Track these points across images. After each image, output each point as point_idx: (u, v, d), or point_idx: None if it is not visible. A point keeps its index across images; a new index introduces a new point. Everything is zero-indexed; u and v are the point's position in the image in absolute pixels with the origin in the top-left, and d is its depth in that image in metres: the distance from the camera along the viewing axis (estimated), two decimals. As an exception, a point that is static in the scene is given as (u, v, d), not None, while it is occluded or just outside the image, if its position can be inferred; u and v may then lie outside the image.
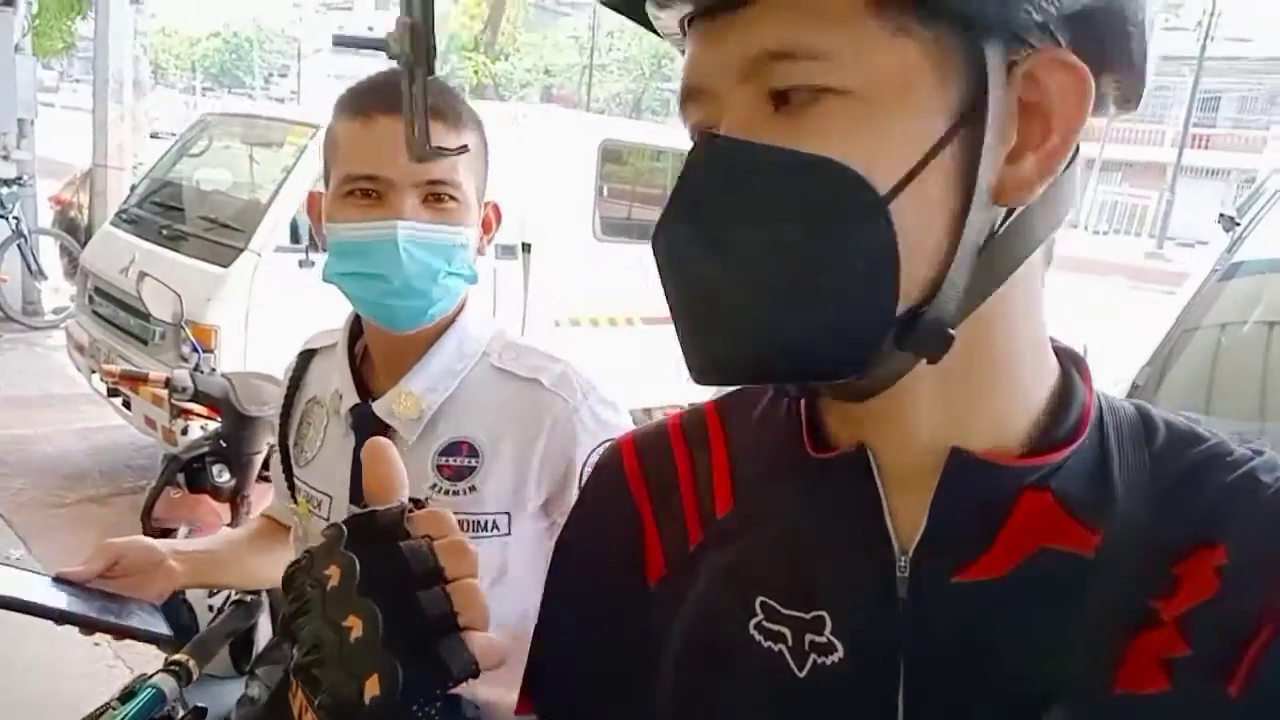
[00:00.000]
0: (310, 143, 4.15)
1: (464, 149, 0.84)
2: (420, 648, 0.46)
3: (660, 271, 0.50)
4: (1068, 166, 0.49)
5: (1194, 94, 22.48)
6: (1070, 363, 0.55)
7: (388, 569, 0.47)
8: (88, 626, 1.00)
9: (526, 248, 4.58)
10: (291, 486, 1.19)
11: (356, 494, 1.06)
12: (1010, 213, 0.48)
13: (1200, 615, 0.47)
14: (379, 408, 1.07)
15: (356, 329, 1.15)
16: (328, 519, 1.10)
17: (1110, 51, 0.49)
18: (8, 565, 0.97)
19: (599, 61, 29.00)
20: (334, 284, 1.06)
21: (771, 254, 0.46)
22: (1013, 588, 0.49)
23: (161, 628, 1.07)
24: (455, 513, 0.90)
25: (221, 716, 2.23)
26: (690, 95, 0.51)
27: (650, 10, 0.52)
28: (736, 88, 0.47)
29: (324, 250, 1.08)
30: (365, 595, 0.46)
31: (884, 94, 0.45)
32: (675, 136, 5.36)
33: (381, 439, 0.53)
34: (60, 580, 1.02)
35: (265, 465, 2.41)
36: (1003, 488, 0.51)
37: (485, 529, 1.04)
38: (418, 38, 0.44)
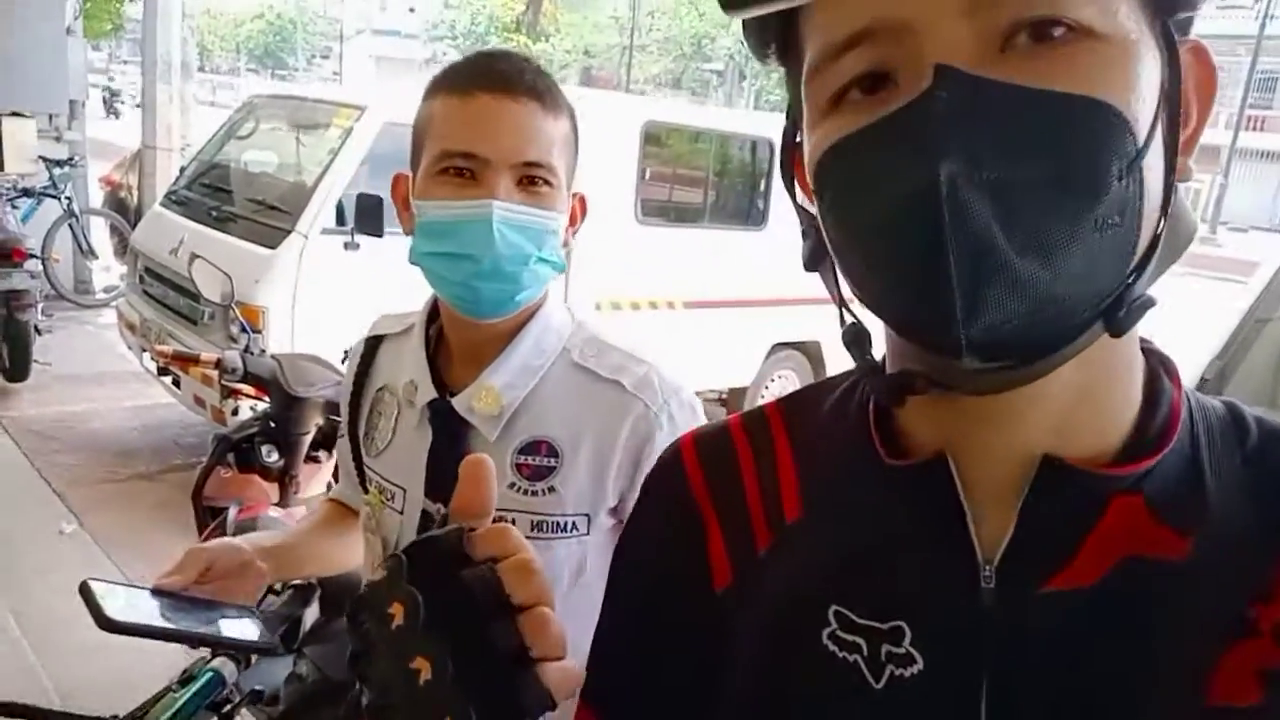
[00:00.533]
0: (355, 124, 4.17)
1: None
2: (493, 685, 0.44)
3: (927, 219, 0.41)
4: None
5: (1251, 74, 21.86)
6: (1158, 363, 0.53)
7: (453, 602, 0.45)
8: (196, 644, 1.02)
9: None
10: (361, 474, 1.18)
11: (431, 489, 1.06)
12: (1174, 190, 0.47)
13: None
14: (458, 403, 1.05)
15: (432, 317, 1.12)
16: (401, 511, 1.09)
17: None
18: (108, 582, 0.98)
19: (639, 42, 28.84)
20: (420, 265, 1.04)
21: (1054, 209, 0.41)
22: (1102, 597, 0.47)
23: (269, 637, 1.09)
24: (534, 513, 0.88)
25: (270, 693, 2.28)
26: (864, 36, 0.45)
27: None
28: (954, 20, 0.42)
29: (406, 234, 1.06)
30: (432, 632, 0.44)
31: (1132, 44, 0.43)
32: (717, 117, 5.32)
33: (484, 458, 0.51)
34: (158, 591, 1.02)
35: (313, 445, 2.44)
36: (1094, 496, 0.49)
37: (565, 530, 1.02)
38: None
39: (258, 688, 1.16)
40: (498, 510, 1.00)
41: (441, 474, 1.05)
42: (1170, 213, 0.46)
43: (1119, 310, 0.45)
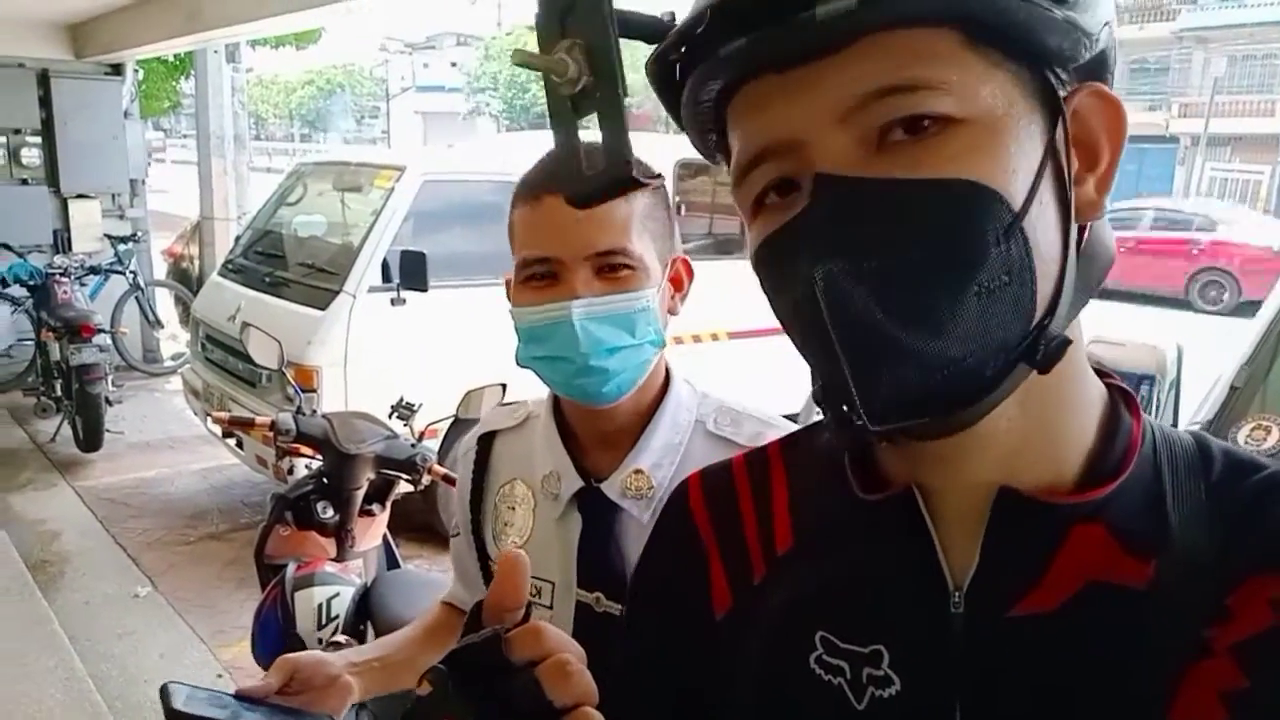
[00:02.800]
0: (396, 184, 4.30)
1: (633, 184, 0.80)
2: None
3: (816, 313, 0.47)
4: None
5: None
6: (1119, 395, 0.56)
7: (498, 713, 0.46)
8: None
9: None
10: (487, 574, 1.17)
11: (584, 579, 1.05)
12: (1083, 231, 0.51)
13: (1257, 648, 0.46)
14: (609, 489, 1.05)
15: (558, 408, 1.12)
16: (550, 605, 1.08)
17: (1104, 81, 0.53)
18: (190, 685, 0.97)
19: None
20: (526, 365, 1.05)
21: (933, 284, 0.46)
22: (1065, 621, 0.50)
23: None
24: None
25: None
26: (766, 153, 0.51)
27: (700, 82, 0.52)
28: (832, 131, 0.48)
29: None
30: None
31: (998, 120, 0.47)
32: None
33: (518, 553, 0.52)
34: (242, 697, 1.02)
35: (366, 499, 2.51)
36: (1053, 524, 0.51)
37: None
38: (596, 55, 0.41)
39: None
40: None
41: (594, 563, 1.05)
42: (1082, 251, 0.50)
43: (1035, 353, 0.48)
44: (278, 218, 5.18)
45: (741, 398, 1.13)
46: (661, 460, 1.05)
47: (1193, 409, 2.13)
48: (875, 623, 0.55)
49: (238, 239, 5.57)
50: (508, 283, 1.10)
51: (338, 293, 4.12)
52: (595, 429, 1.08)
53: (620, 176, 0.42)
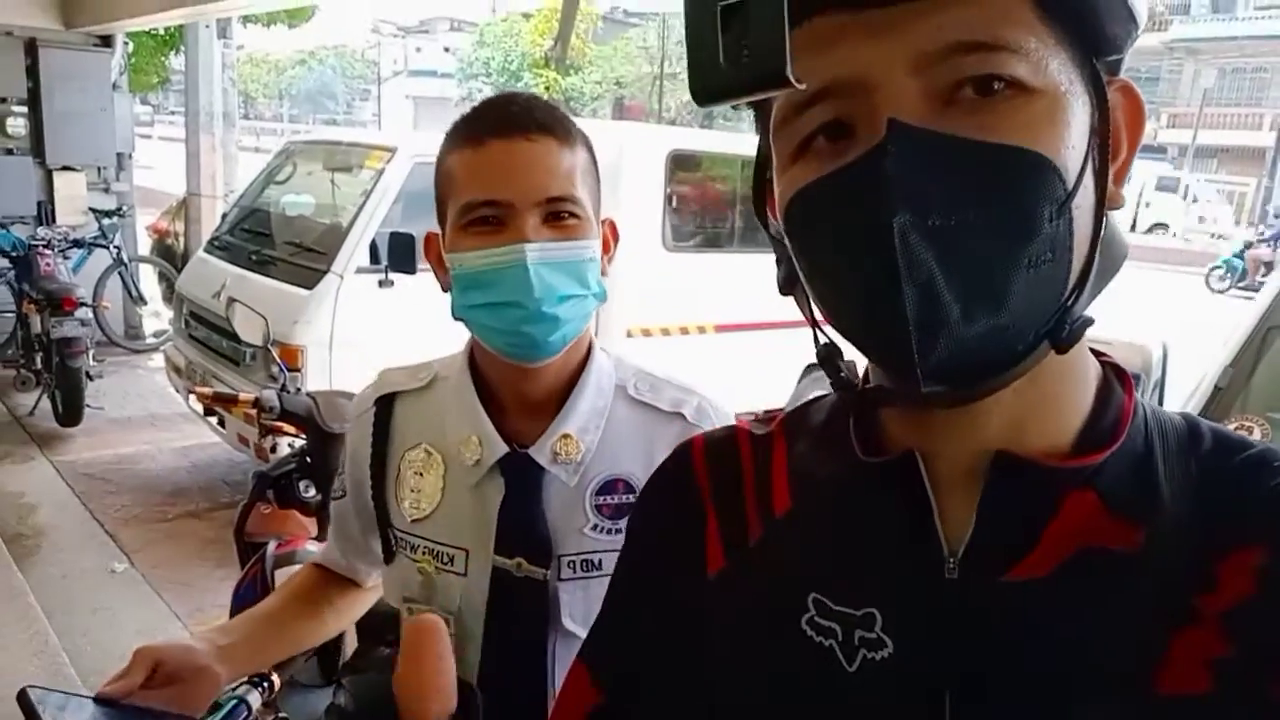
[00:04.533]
0: (387, 166, 4.28)
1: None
2: None
3: (885, 265, 0.45)
4: None
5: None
6: (1112, 372, 0.57)
7: None
8: None
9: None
10: (388, 541, 1.12)
11: (503, 544, 1.02)
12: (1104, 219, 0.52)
13: (1242, 616, 0.47)
14: (539, 454, 1.03)
15: (474, 370, 1.09)
16: (464, 574, 1.05)
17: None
18: (50, 690, 0.92)
19: (670, 70, 29.08)
20: (464, 319, 1.03)
21: (994, 250, 0.46)
22: (1057, 585, 0.51)
23: None
24: (617, 549, 0.84)
25: (312, 722, 2.32)
26: (827, 92, 0.49)
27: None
28: (906, 78, 0.47)
29: (444, 290, 1.05)
30: None
31: (1062, 96, 0.48)
32: (741, 143, 5.38)
33: (432, 619, 0.53)
34: (101, 700, 0.96)
35: (348, 480, 2.50)
36: (1048, 489, 0.52)
37: None
38: None
39: (283, 715, 1.20)
40: (584, 554, 1.03)
41: (517, 529, 1.02)
42: (1103, 239, 0.50)
43: (1061, 331, 0.49)
44: (266, 196, 5.14)
45: (653, 364, 1.13)
46: (588, 425, 1.05)
47: (1177, 408, 2.16)
48: (869, 585, 0.55)
49: (225, 216, 5.53)
50: (429, 239, 1.07)
51: (325, 272, 4.11)
52: (519, 392, 1.06)
53: (775, 70, 0.37)
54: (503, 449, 1.03)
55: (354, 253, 4.12)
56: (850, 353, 0.57)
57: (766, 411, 0.71)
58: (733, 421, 1.07)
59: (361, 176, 4.50)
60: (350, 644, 2.41)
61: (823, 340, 0.59)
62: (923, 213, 0.45)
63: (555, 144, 0.99)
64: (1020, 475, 0.52)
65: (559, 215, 0.99)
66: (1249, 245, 16.28)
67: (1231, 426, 1.93)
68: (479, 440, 1.04)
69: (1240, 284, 15.69)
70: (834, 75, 0.48)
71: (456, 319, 1.04)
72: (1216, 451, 0.53)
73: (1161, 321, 8.34)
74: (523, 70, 31.31)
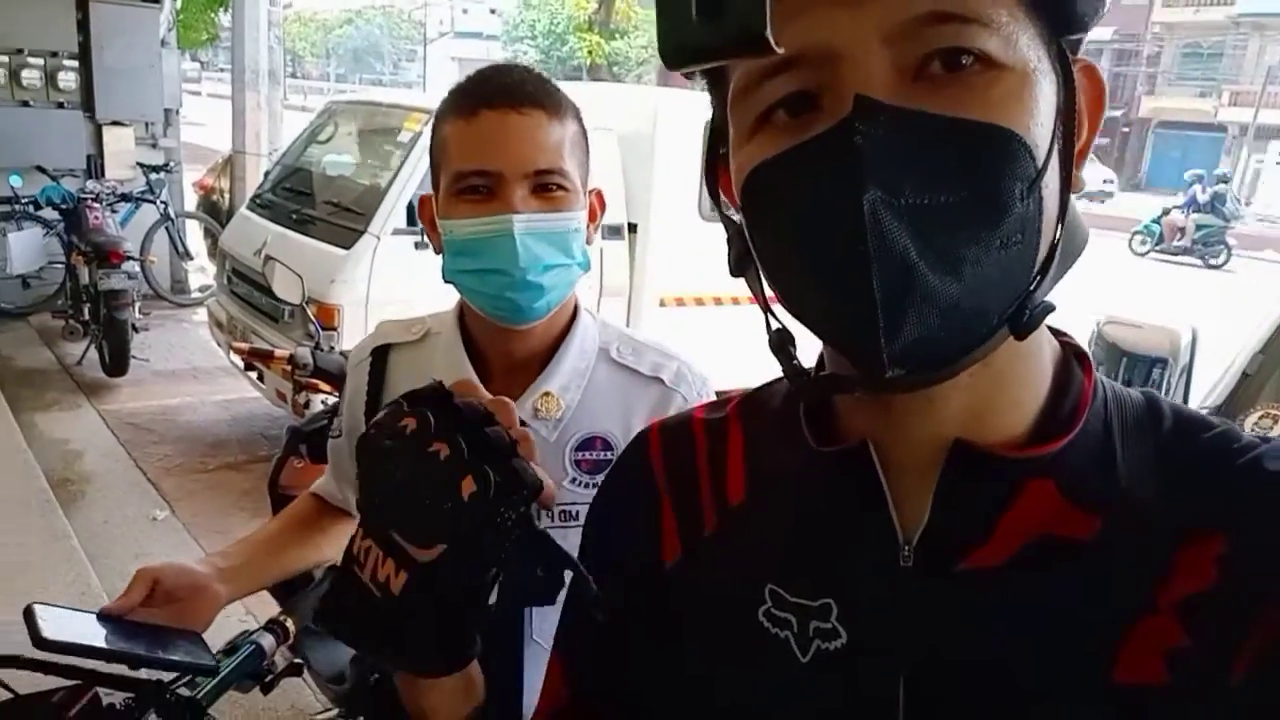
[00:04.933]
0: (425, 128, 4.30)
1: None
2: (496, 464, 0.56)
3: (853, 244, 0.44)
4: None
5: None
6: (1072, 353, 0.56)
7: (454, 416, 0.57)
8: (135, 664, 1.01)
9: (633, 228, 4.65)
10: None
11: None
12: (1068, 202, 0.50)
13: (1199, 605, 0.47)
14: (520, 409, 1.05)
15: (464, 328, 1.14)
16: None
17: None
18: (55, 606, 0.99)
19: (717, 36, 28.63)
20: (454, 282, 1.08)
21: (964, 230, 0.45)
22: (1012, 575, 0.50)
23: (205, 658, 1.06)
24: None
25: (338, 670, 2.39)
26: (793, 62, 0.47)
27: None
28: (876, 50, 0.45)
29: (436, 253, 1.10)
30: (443, 432, 0.56)
31: (1031, 73, 0.47)
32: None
33: (469, 380, 0.64)
34: (105, 616, 1.03)
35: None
36: (1004, 478, 0.51)
37: None
38: None
39: (296, 661, 1.24)
40: (562, 505, 1.08)
41: None
42: (1066, 223, 0.49)
43: (1022, 317, 0.48)
44: (308, 155, 5.19)
45: (639, 331, 1.17)
46: (569, 384, 1.10)
47: (1202, 394, 2.13)
48: (824, 576, 0.55)
49: (267, 174, 5.60)
50: (423, 201, 1.12)
51: (362, 233, 4.15)
52: (505, 351, 1.11)
53: (754, 32, 0.35)
54: None
55: (391, 214, 4.15)
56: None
57: (721, 394, 0.70)
58: (711, 388, 1.11)
59: (401, 138, 4.52)
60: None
61: (775, 325, 0.57)
62: (894, 190, 0.43)
63: (545, 117, 1.02)
64: (976, 465, 0.51)
65: (547, 187, 1.03)
66: (1166, 212, 16.98)
67: (1256, 413, 1.90)
68: None
69: (1159, 248, 16.76)
70: (801, 44, 0.46)
71: (446, 281, 1.08)
72: (1177, 432, 0.52)
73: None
74: (568, 34, 31.09)
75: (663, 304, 4.76)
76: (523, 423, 1.05)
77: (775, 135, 0.48)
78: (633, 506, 0.68)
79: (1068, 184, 0.49)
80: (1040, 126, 0.46)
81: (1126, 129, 31.38)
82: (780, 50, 0.36)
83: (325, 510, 1.35)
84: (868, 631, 0.53)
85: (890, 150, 0.44)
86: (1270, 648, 0.45)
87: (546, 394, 1.09)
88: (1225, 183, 17.35)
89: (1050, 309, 0.49)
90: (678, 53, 0.37)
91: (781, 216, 0.48)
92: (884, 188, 0.43)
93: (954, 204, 0.44)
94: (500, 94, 1.02)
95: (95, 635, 0.99)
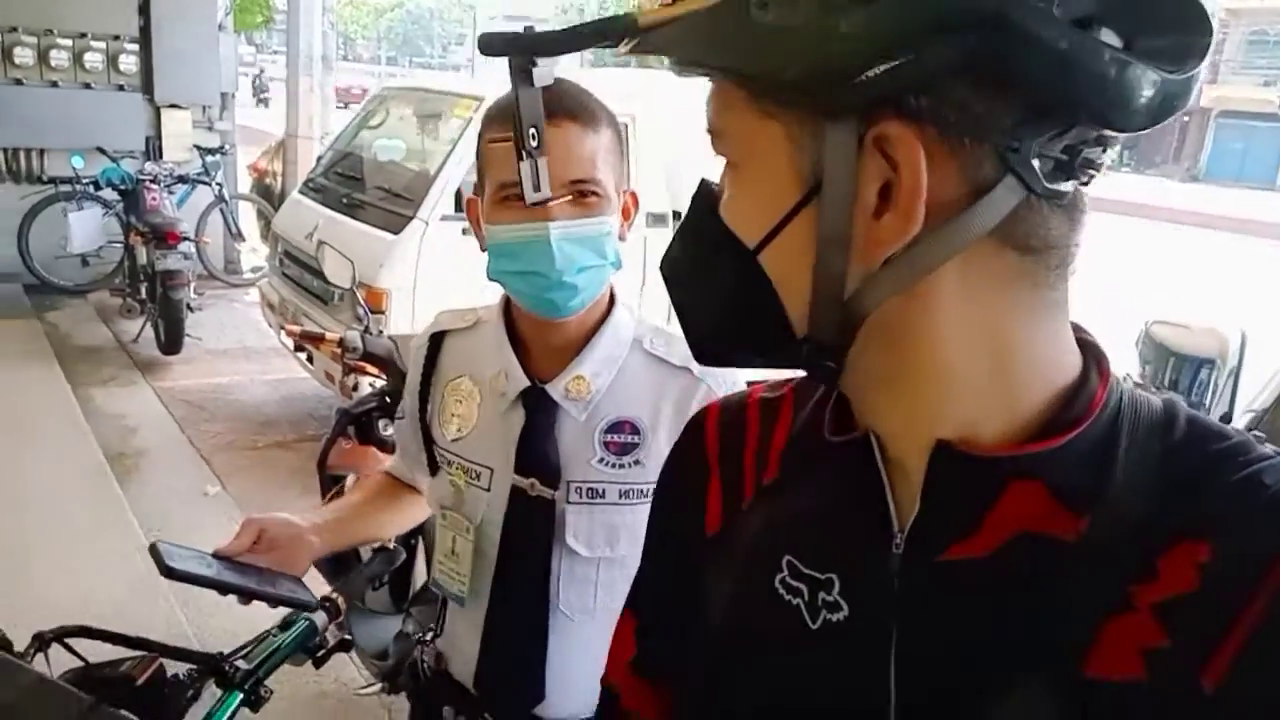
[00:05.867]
0: (474, 115, 4.34)
1: None
2: None
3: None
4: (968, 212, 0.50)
5: None
6: (1093, 357, 0.57)
7: None
8: (246, 596, 1.16)
9: (677, 215, 4.66)
10: (431, 456, 1.30)
11: (522, 466, 1.18)
12: (891, 259, 0.51)
13: (1179, 608, 0.48)
14: (553, 390, 1.19)
15: (509, 316, 1.25)
16: (488, 489, 1.22)
17: (1004, 109, 0.48)
18: (176, 545, 1.14)
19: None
20: (497, 280, 1.17)
21: (704, 283, 0.59)
22: (994, 567, 0.53)
23: (306, 596, 1.22)
24: (621, 483, 1.15)
25: (380, 649, 2.46)
26: None
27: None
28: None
29: (482, 250, 1.18)
30: None
31: (753, 166, 0.54)
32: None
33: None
34: (217, 556, 1.18)
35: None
36: (988, 476, 0.54)
37: (648, 496, 1.13)
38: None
39: (347, 637, 1.30)
40: (590, 482, 1.18)
41: (532, 453, 1.18)
42: (876, 273, 0.52)
43: (808, 353, 0.56)
44: (359, 140, 5.27)
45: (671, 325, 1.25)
46: (601, 370, 1.19)
47: (1250, 397, 2.10)
48: (831, 553, 0.60)
49: (319, 159, 5.69)
50: (470, 202, 1.22)
51: (411, 218, 4.21)
52: (544, 339, 1.21)
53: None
54: (524, 383, 1.20)
55: (439, 200, 4.21)
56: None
57: (751, 384, 0.76)
58: (740, 378, 1.16)
59: (450, 125, 4.57)
60: (419, 577, 2.53)
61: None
62: (678, 250, 0.62)
63: (579, 128, 1.11)
64: (960, 464, 0.54)
65: (582, 194, 1.12)
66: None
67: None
68: (506, 375, 1.21)
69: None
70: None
71: (491, 279, 1.17)
72: (1186, 441, 0.53)
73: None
74: (615, 9, 31.02)
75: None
76: (554, 402, 1.19)
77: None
78: (686, 479, 0.73)
79: (821, 248, 0.52)
80: (753, 215, 0.54)
81: (1186, 118, 30.55)
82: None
83: (397, 485, 1.47)
84: (864, 608, 0.58)
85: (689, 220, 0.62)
86: (1244, 655, 0.46)
87: (578, 377, 1.18)
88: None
89: (828, 351, 0.55)
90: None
91: None
92: (673, 248, 0.63)
93: (703, 269, 0.60)
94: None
95: (212, 569, 1.13)
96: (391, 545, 1.57)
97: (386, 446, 2.60)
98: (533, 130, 0.64)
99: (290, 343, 4.53)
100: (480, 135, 1.17)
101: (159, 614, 3.03)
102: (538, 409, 1.19)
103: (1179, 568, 0.49)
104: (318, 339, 2.75)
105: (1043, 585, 0.52)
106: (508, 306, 1.24)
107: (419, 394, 1.30)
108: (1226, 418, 2.06)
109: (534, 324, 1.20)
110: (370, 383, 2.90)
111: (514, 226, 1.11)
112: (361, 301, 2.97)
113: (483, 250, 1.18)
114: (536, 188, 0.68)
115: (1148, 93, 0.47)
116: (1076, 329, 0.58)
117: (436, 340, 1.31)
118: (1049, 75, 0.46)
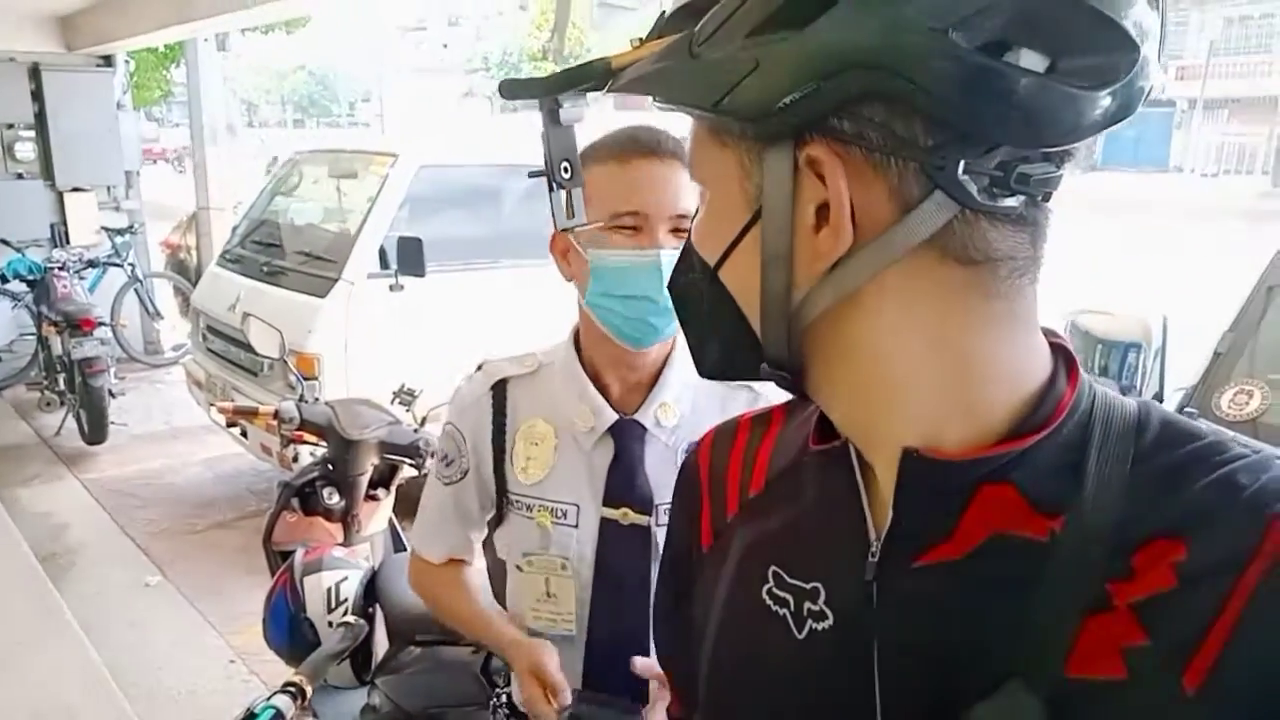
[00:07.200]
0: (390, 171, 4.31)
1: None
2: None
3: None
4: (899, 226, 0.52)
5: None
6: (1062, 360, 0.58)
7: None
8: None
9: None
10: (501, 506, 1.31)
11: (610, 498, 1.23)
12: (834, 268, 0.54)
13: (1158, 607, 0.49)
14: (645, 419, 1.25)
15: (579, 357, 1.29)
16: (576, 525, 1.26)
17: (924, 131, 0.49)
18: (593, 707, 1.13)
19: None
20: (596, 305, 1.20)
21: (690, 302, 0.63)
22: (968, 570, 0.54)
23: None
24: None
25: (348, 724, 2.37)
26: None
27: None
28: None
29: (566, 280, 1.25)
30: None
31: (716, 191, 0.59)
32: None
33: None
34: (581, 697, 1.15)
35: (371, 484, 2.55)
36: (958, 481, 0.54)
37: None
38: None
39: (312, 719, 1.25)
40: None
41: (624, 483, 1.24)
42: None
43: (758, 369, 0.59)
44: (274, 206, 5.19)
45: None
46: (680, 395, 1.26)
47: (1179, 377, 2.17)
48: (815, 563, 0.62)
49: (234, 229, 5.58)
50: (556, 237, 1.25)
51: (337, 280, 4.15)
52: (621, 371, 1.26)
53: None
54: (613, 416, 1.25)
55: (363, 259, 4.16)
56: None
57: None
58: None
59: (367, 183, 4.53)
60: (380, 646, 2.46)
61: None
62: (674, 272, 0.66)
63: (680, 167, 1.18)
64: (926, 469, 0.55)
65: (680, 227, 1.18)
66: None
67: (1231, 391, 1.93)
68: (591, 411, 1.25)
69: None
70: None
71: (590, 305, 1.22)
72: (1158, 443, 0.53)
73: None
74: (521, 63, 31.25)
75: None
76: (645, 430, 1.23)
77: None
78: (683, 502, 0.78)
79: (764, 263, 0.56)
80: (713, 236, 0.59)
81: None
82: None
83: (465, 569, 1.44)
84: (847, 616, 0.59)
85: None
86: (1224, 656, 0.46)
87: (664, 405, 1.25)
88: None
89: (783, 359, 0.58)
90: None
91: None
92: (676, 269, 0.67)
93: (690, 289, 0.63)
94: (648, 146, 1.19)
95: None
96: (352, 620, 1.52)
97: (332, 515, 2.53)
98: (565, 163, 0.69)
99: (223, 420, 4.40)
100: (587, 165, 1.20)
101: (110, 716, 2.89)
102: (628, 440, 1.24)
103: (1155, 566, 0.49)
104: (251, 413, 2.68)
105: (1020, 586, 0.52)
106: (577, 345, 1.29)
107: (493, 444, 1.31)
108: (1159, 397, 2.12)
109: (610, 358, 1.25)
110: (310, 451, 2.83)
111: (626, 253, 1.17)
112: (293, 369, 2.90)
113: (567, 280, 1.24)
114: (571, 215, 0.73)
115: (1068, 111, 0.48)
116: (1049, 333, 0.58)
117: (500, 388, 1.32)
118: (952, 101, 0.47)
